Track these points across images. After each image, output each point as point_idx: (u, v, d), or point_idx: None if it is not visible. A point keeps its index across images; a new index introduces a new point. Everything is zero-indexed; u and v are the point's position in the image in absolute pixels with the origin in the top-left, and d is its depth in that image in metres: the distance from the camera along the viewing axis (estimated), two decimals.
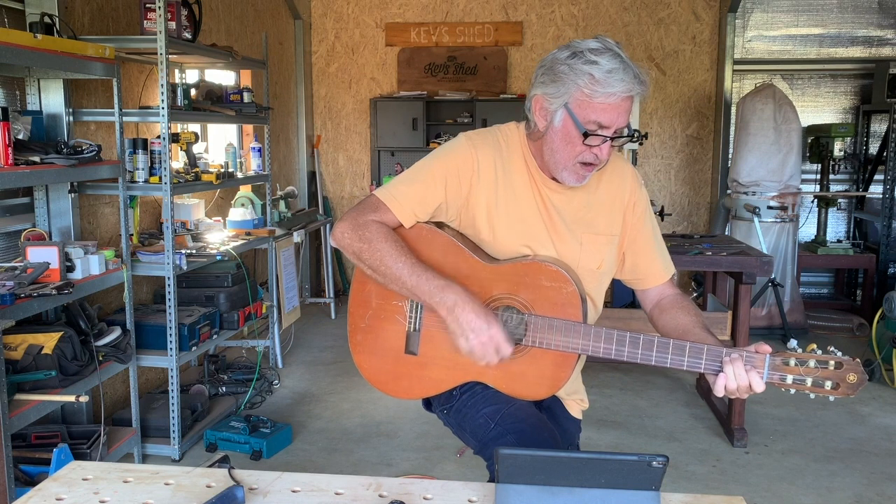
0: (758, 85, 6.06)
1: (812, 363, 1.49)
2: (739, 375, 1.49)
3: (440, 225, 1.75)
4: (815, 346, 1.52)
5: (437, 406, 1.83)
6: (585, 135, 1.59)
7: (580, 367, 1.89)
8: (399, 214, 1.68)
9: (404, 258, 1.62)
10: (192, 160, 4.00)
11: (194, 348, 3.57)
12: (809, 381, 1.50)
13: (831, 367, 1.49)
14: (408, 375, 1.73)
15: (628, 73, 1.55)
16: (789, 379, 1.51)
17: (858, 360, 1.50)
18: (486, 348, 1.55)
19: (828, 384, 1.50)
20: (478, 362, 1.58)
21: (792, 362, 1.50)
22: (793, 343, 1.54)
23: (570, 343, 1.60)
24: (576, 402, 1.90)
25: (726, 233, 5.93)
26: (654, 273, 1.82)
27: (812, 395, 1.52)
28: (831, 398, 1.51)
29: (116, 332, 3.09)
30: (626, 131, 1.62)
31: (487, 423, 1.67)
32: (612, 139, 1.61)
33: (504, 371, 1.66)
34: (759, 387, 1.50)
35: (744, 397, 1.54)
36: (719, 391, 1.53)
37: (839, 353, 1.50)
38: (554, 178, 1.72)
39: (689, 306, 1.75)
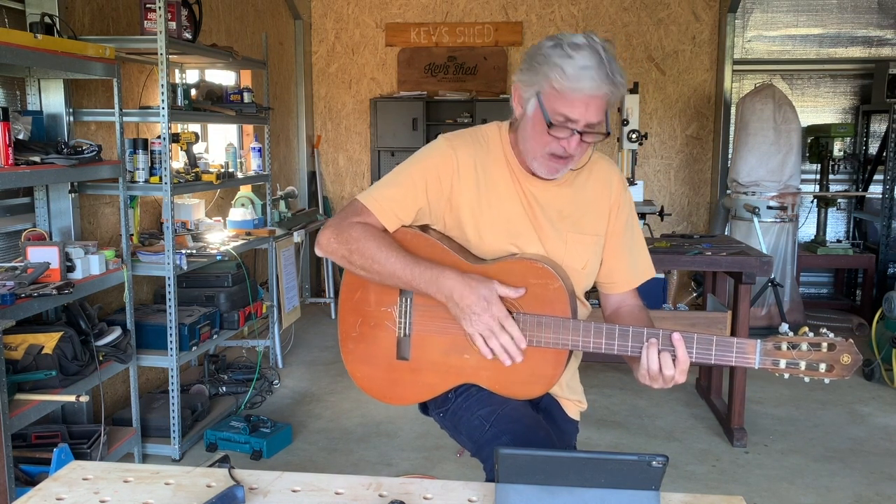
0: (757, 85, 6.07)
1: (804, 346, 1.47)
2: (652, 359, 1.53)
3: (425, 228, 1.75)
4: (806, 328, 1.49)
5: (434, 409, 1.83)
6: (550, 125, 1.59)
7: (576, 365, 1.89)
8: (381, 217, 1.67)
9: (395, 252, 1.62)
10: (193, 160, 4.00)
11: (194, 348, 3.58)
12: (803, 365, 1.47)
13: (824, 349, 1.46)
14: (401, 381, 1.73)
15: (600, 72, 1.54)
16: (782, 363, 1.48)
17: (851, 340, 1.47)
18: (492, 327, 1.56)
19: (822, 367, 1.46)
20: (486, 343, 1.57)
21: (784, 346, 1.47)
22: (784, 327, 1.51)
23: (561, 339, 1.60)
24: (574, 403, 1.89)
25: (726, 233, 5.93)
26: (625, 280, 1.83)
27: (807, 379, 1.49)
28: (826, 381, 1.48)
29: (117, 332, 3.09)
30: (601, 128, 1.61)
31: (483, 424, 1.67)
32: (581, 134, 1.60)
33: (497, 371, 1.66)
34: (669, 370, 1.53)
35: (666, 385, 1.55)
36: (643, 378, 1.56)
37: (831, 335, 1.47)
38: (534, 174, 1.72)
39: (644, 319, 1.76)
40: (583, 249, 1.75)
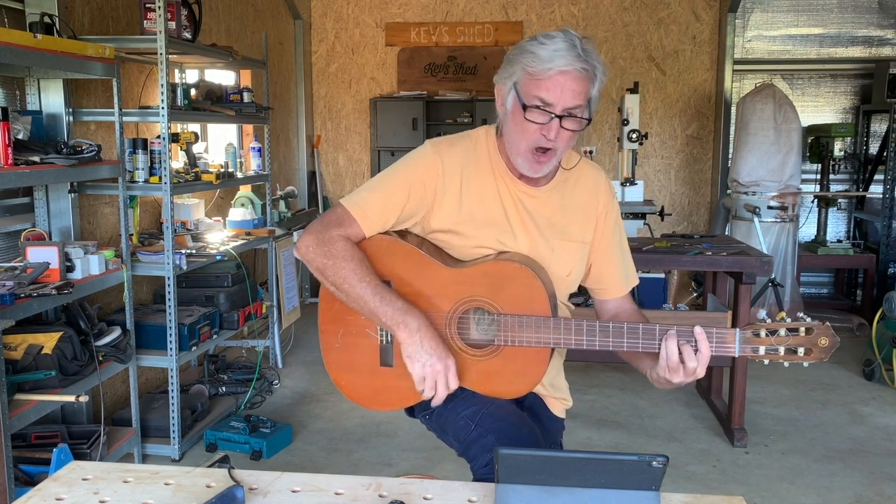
0: (758, 85, 6.06)
1: (783, 332, 1.50)
2: (672, 351, 1.53)
3: (403, 234, 1.75)
4: (783, 314, 1.53)
5: (419, 412, 1.84)
6: (525, 108, 1.60)
7: (560, 363, 1.90)
8: (363, 224, 1.68)
9: (368, 279, 1.62)
10: (192, 160, 4.00)
11: (194, 348, 3.57)
12: (782, 350, 1.51)
13: (802, 334, 1.50)
14: (386, 388, 1.73)
15: (572, 52, 1.56)
16: (762, 350, 1.51)
17: (828, 323, 1.51)
18: (439, 377, 1.58)
19: (800, 351, 1.51)
20: (423, 393, 1.61)
21: (763, 333, 1.51)
22: (762, 314, 1.54)
23: (542, 338, 1.61)
24: (559, 401, 1.90)
25: (726, 233, 5.93)
26: (617, 285, 1.84)
27: (786, 364, 1.53)
28: (805, 364, 1.52)
29: (116, 332, 3.09)
30: (580, 112, 1.61)
31: (468, 424, 1.68)
32: (561, 119, 1.60)
33: (481, 372, 1.67)
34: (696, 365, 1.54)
35: (687, 378, 1.56)
36: (662, 371, 1.56)
37: (808, 319, 1.51)
38: (521, 178, 1.73)
39: (642, 321, 1.76)
40: (569, 256, 1.75)
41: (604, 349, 1.60)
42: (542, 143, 1.62)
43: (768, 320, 1.52)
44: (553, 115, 1.59)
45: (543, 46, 1.57)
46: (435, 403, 1.63)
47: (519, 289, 1.63)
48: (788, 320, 1.51)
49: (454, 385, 1.60)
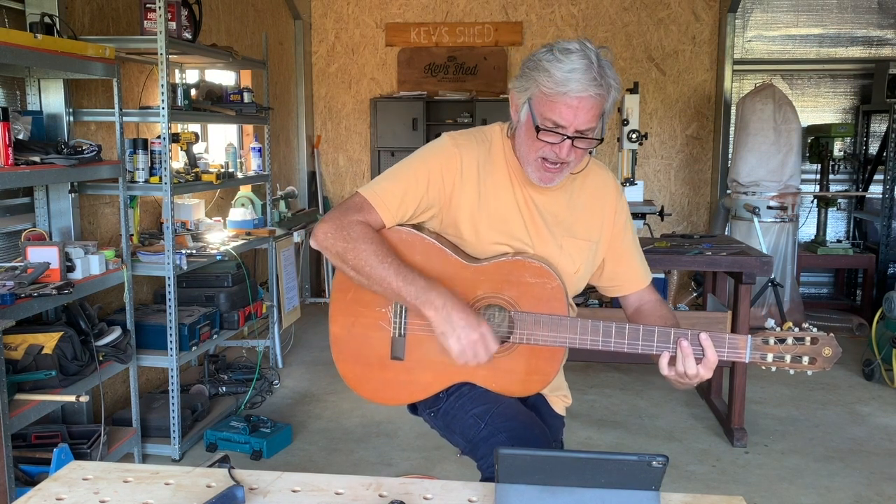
0: (758, 85, 6.06)
1: (790, 340, 1.56)
2: (689, 361, 1.56)
3: (419, 227, 1.75)
4: (790, 323, 1.57)
5: (424, 409, 1.84)
6: (538, 129, 1.60)
7: (563, 362, 1.91)
8: (383, 213, 1.67)
9: (389, 259, 1.61)
10: (193, 160, 4.00)
11: (194, 348, 3.57)
12: (788, 358, 1.56)
13: (807, 343, 1.55)
14: (395, 382, 1.73)
15: (587, 75, 1.54)
16: (770, 357, 1.56)
17: (832, 334, 1.56)
18: (476, 347, 1.57)
19: (805, 359, 1.56)
20: (467, 363, 1.59)
21: (771, 341, 1.56)
22: (770, 322, 1.59)
23: (558, 337, 1.62)
24: (559, 398, 1.91)
25: (726, 233, 5.93)
26: (635, 279, 1.85)
27: (791, 371, 1.58)
28: (809, 372, 1.57)
29: (117, 332, 3.09)
30: (592, 134, 1.61)
31: (477, 422, 1.68)
32: (573, 139, 1.60)
33: (493, 369, 1.67)
34: (697, 370, 1.57)
35: (692, 381, 1.59)
36: (678, 384, 1.60)
37: (814, 329, 1.56)
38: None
39: (668, 314, 1.78)
40: (577, 254, 1.76)
41: (618, 350, 1.62)
42: (550, 157, 1.63)
43: (777, 329, 1.56)
44: (565, 137, 1.59)
45: (560, 65, 1.55)
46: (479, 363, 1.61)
47: (537, 288, 1.64)
48: (795, 329, 1.55)
49: (494, 347, 1.59)
